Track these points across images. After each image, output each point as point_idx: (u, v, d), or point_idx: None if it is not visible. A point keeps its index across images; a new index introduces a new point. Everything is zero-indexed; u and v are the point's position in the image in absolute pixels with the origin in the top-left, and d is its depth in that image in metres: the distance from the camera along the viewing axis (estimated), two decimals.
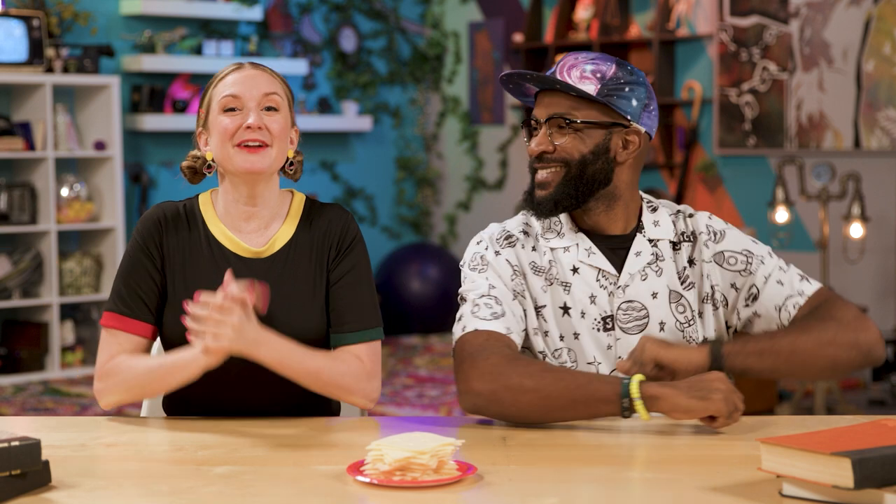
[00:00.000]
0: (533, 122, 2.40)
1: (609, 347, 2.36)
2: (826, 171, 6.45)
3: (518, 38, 8.27)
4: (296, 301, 2.40)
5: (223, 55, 7.80)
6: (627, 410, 2.14)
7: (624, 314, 2.37)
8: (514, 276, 2.38)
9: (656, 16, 7.52)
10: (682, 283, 2.40)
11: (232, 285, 2.20)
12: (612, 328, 2.36)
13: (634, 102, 2.37)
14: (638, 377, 2.15)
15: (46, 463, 1.88)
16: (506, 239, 2.40)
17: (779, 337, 2.29)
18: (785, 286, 2.38)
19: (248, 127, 2.36)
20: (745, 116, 7.22)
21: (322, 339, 2.41)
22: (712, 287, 2.40)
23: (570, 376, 2.19)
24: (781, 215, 6.52)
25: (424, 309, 8.25)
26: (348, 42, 8.61)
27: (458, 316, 2.37)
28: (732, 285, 2.40)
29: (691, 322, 2.38)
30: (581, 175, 2.35)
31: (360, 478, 1.88)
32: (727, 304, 2.41)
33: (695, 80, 7.49)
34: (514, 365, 2.21)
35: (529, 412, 2.20)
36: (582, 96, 2.34)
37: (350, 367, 2.37)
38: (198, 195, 2.49)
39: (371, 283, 2.46)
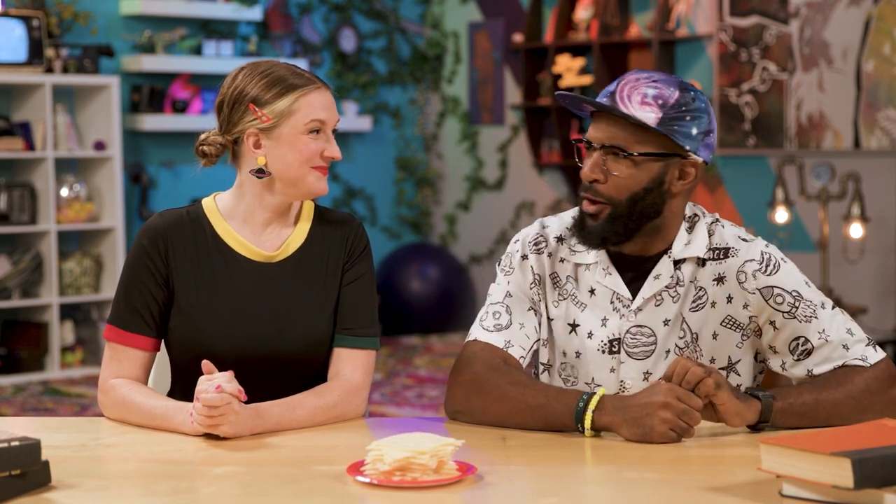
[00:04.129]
0: (585, 143, 2.29)
1: (612, 370, 2.33)
2: (826, 172, 6.45)
3: (518, 38, 8.27)
4: (306, 305, 2.40)
5: (223, 55, 7.80)
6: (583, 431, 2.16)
7: (632, 338, 2.32)
8: (534, 284, 2.38)
9: (656, 16, 7.52)
10: (693, 304, 2.31)
11: (222, 379, 2.17)
12: (618, 351, 2.32)
13: (695, 131, 2.25)
14: (595, 399, 2.13)
15: (46, 463, 1.88)
16: (536, 244, 2.39)
17: (823, 393, 2.20)
18: (851, 350, 2.25)
19: (331, 157, 2.39)
20: (744, 116, 7.22)
21: (329, 343, 2.42)
22: (749, 318, 2.30)
23: (532, 396, 2.20)
24: (781, 215, 6.52)
25: (424, 309, 8.25)
26: (348, 42, 8.61)
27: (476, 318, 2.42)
28: (772, 322, 2.29)
29: (689, 345, 2.31)
30: (630, 213, 2.26)
31: (360, 478, 1.88)
32: (760, 336, 2.31)
33: (695, 80, 7.49)
34: (488, 379, 2.25)
35: (497, 424, 2.24)
36: (641, 126, 2.23)
37: (336, 395, 2.35)
38: (200, 200, 2.47)
39: (374, 294, 2.47)
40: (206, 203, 2.45)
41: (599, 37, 7.72)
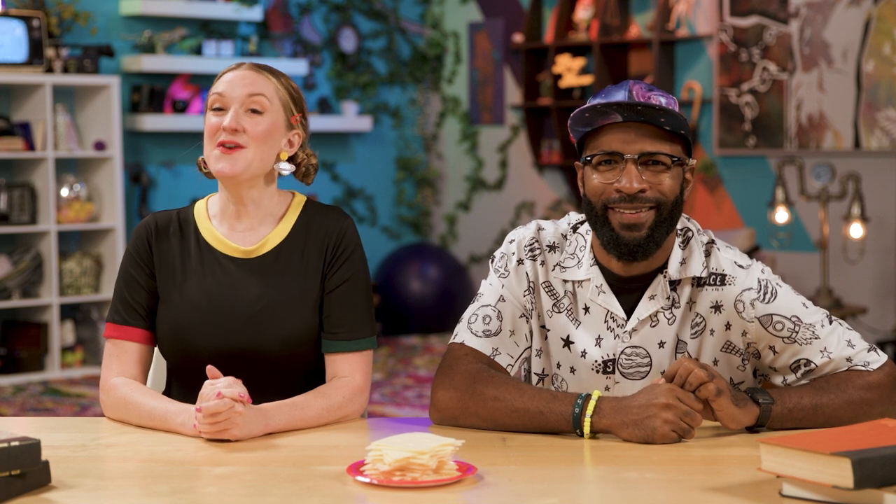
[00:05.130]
0: (608, 157, 2.22)
1: (607, 389, 2.30)
2: (826, 172, 6.45)
3: (518, 38, 8.27)
4: (285, 302, 2.39)
5: (223, 55, 7.80)
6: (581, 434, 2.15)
7: (627, 359, 2.28)
8: (527, 292, 2.34)
9: (656, 16, 7.52)
10: (692, 329, 2.28)
11: (222, 384, 2.16)
12: (613, 372, 2.29)
13: (689, 137, 2.27)
14: (592, 404, 2.13)
15: (46, 463, 1.88)
16: (531, 249, 2.34)
17: (823, 398, 2.19)
18: (853, 360, 2.24)
19: (223, 128, 2.36)
20: (744, 117, 7.22)
21: (312, 341, 2.41)
22: (747, 343, 2.27)
23: (524, 405, 2.17)
24: (781, 215, 6.52)
25: (424, 309, 8.25)
26: (348, 42, 8.61)
27: (463, 315, 2.37)
28: (771, 347, 2.26)
29: None
30: (671, 217, 2.23)
31: (360, 478, 1.88)
32: (759, 358, 2.29)
33: (695, 80, 7.49)
34: (475, 386, 2.22)
35: (487, 430, 2.22)
36: (674, 131, 2.21)
37: (341, 396, 2.34)
38: (195, 202, 2.50)
39: (368, 291, 2.45)
40: (198, 204, 2.49)
41: (599, 37, 7.72)
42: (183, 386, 2.43)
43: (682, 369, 2.11)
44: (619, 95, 2.21)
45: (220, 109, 2.38)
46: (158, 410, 2.27)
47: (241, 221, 2.43)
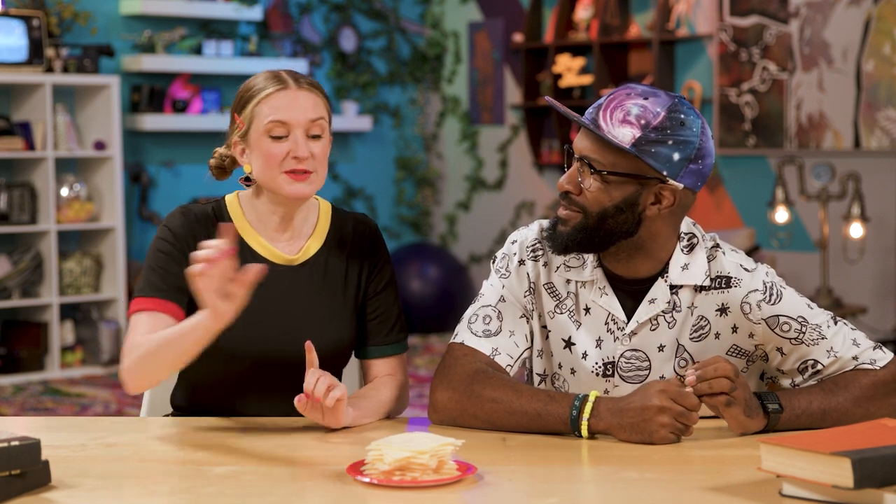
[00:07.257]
0: (568, 149, 2.25)
1: (606, 392, 2.29)
2: (826, 171, 6.45)
3: (518, 38, 8.27)
4: (328, 309, 2.40)
5: (223, 55, 7.80)
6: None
7: (626, 363, 2.28)
8: (528, 293, 2.33)
9: (656, 16, 7.52)
10: (694, 333, 2.27)
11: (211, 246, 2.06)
12: (612, 375, 2.29)
13: (676, 156, 2.16)
14: (589, 406, 2.12)
15: (46, 463, 1.88)
16: (533, 250, 2.34)
17: (832, 401, 2.19)
18: (860, 358, 2.24)
19: (296, 157, 2.30)
20: (744, 116, 7.22)
21: (349, 347, 2.44)
22: (755, 346, 2.27)
23: (522, 406, 2.17)
24: (781, 215, 6.52)
25: (424, 309, 8.25)
26: (348, 42, 8.61)
27: (464, 315, 2.36)
28: (779, 349, 2.26)
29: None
30: (598, 227, 2.20)
31: (360, 478, 1.88)
32: (767, 360, 2.29)
33: (695, 80, 7.49)
34: (473, 388, 2.22)
35: (485, 429, 2.22)
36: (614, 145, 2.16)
37: (395, 390, 2.41)
38: (224, 197, 2.44)
39: (398, 294, 2.48)
40: (230, 200, 2.43)
41: (599, 37, 7.72)
42: (198, 382, 2.41)
43: (710, 370, 2.10)
44: (599, 100, 2.22)
45: (280, 137, 2.31)
46: (177, 328, 2.18)
47: (284, 233, 2.41)
